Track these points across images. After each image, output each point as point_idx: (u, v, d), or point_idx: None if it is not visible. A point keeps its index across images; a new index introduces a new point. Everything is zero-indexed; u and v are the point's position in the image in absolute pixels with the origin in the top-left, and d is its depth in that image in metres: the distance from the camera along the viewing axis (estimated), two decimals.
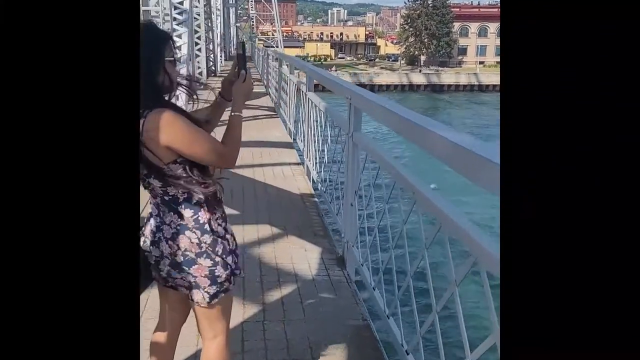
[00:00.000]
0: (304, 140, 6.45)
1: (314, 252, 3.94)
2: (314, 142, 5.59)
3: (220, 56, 26.22)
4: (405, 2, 69.71)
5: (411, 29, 66.87)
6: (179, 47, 10.09)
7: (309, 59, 75.15)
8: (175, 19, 10.44)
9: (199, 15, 15.67)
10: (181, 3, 10.52)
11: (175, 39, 10.21)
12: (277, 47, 59.75)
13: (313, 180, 5.68)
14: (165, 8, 7.92)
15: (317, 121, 5.42)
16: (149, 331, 2.08)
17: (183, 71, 9.84)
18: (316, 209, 4.95)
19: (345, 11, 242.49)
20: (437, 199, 2.08)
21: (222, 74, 21.16)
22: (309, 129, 5.88)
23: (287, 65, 9.03)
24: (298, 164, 6.65)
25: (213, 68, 20.68)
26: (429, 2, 65.98)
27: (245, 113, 7.38)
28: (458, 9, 70.11)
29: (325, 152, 4.97)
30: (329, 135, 4.79)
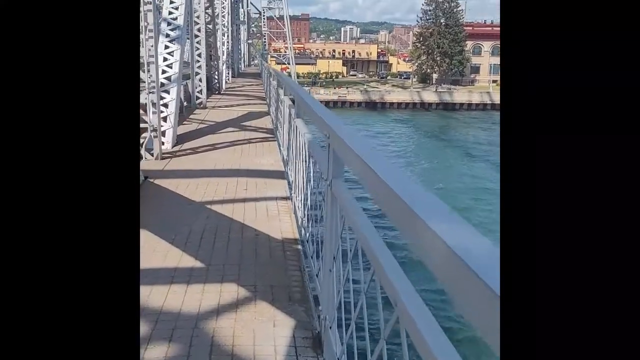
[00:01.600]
0: (293, 172, 5.67)
1: (285, 327, 3.12)
2: (301, 177, 4.80)
3: (227, 73, 25.69)
4: (417, 21, 69.32)
5: (423, 47, 66.29)
6: (170, 65, 9.44)
7: (320, 76, 74.95)
8: (167, 35, 9.81)
9: (199, 31, 15.06)
10: (175, 19, 9.91)
11: (166, 56, 9.59)
12: (289, 64, 59.60)
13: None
14: (148, 23, 7.23)
15: (302, 154, 4.64)
16: None
17: (173, 90, 9.18)
18: (298, 260, 4.14)
19: (359, 29, 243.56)
20: (430, 331, 1.27)
21: (227, 92, 20.57)
22: (296, 161, 5.11)
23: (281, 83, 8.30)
24: (286, 198, 5.86)
25: (217, 85, 20.06)
26: (442, 21, 65.45)
27: (240, 136, 6.55)
28: (471, 28, 69.35)
29: (308, 195, 4.17)
30: (311, 175, 4.00)
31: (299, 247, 4.41)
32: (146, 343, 2.90)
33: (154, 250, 4.22)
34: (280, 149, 8.22)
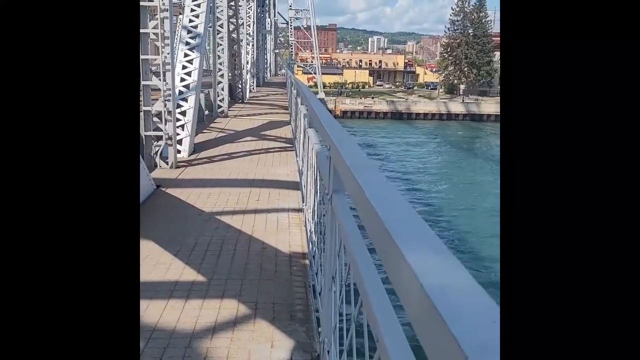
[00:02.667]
0: (305, 183, 5.51)
1: (283, 349, 2.94)
2: (311, 189, 4.64)
3: (252, 82, 25.80)
4: (445, 31, 68.75)
5: (451, 58, 65.69)
6: (189, 73, 9.42)
7: (346, 86, 74.95)
8: (187, 43, 9.82)
9: (222, 40, 15.10)
10: (195, 27, 9.91)
11: (186, 64, 9.59)
12: (315, 73, 59.76)
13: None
14: (165, 31, 7.20)
15: (312, 165, 4.47)
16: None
17: (191, 99, 9.15)
18: (304, 276, 3.96)
19: (386, 39, 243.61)
20: None
21: (251, 100, 20.61)
22: (308, 172, 4.95)
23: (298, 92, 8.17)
24: (299, 210, 5.70)
25: (241, 94, 20.12)
26: (470, 32, 64.80)
27: (259, 145, 6.51)
28: (499, 38, 68.57)
29: (315, 207, 4.00)
30: (318, 187, 3.83)
31: (307, 261, 4.24)
32: None
33: (157, 263, 4.10)
34: (296, 158, 8.08)
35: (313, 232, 4.19)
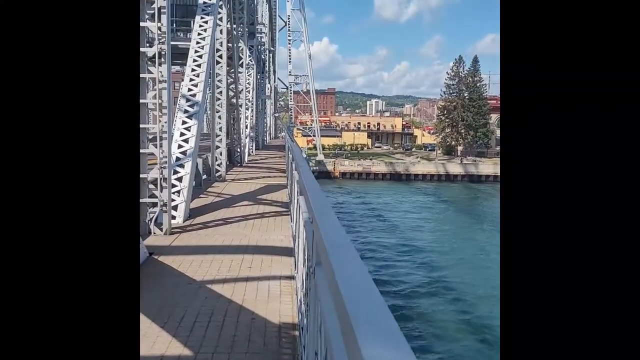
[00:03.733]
0: (297, 250, 5.49)
1: None
2: (301, 258, 4.61)
3: (251, 146, 26.20)
4: (441, 95, 70.52)
5: (447, 120, 66.99)
6: (187, 140, 9.59)
7: (345, 147, 76.03)
8: (186, 111, 10.05)
9: (221, 106, 15.48)
10: (194, 95, 10.19)
11: (183, 131, 9.78)
12: (315, 136, 60.81)
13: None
14: (163, 101, 7.40)
15: (302, 234, 4.47)
16: None
17: (188, 165, 9.26)
18: (293, 349, 3.87)
19: (384, 102, 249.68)
20: None
21: (249, 164, 20.84)
22: (298, 240, 4.94)
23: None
24: (290, 277, 5.64)
25: (239, 158, 20.37)
26: (465, 95, 66.46)
27: (254, 210, 6.49)
28: (495, 101, 70.22)
29: (304, 278, 3.96)
30: (306, 258, 3.81)
31: (297, 333, 4.15)
32: None
33: (143, 336, 4.01)
34: (291, 223, 8.08)
35: (302, 302, 4.13)
